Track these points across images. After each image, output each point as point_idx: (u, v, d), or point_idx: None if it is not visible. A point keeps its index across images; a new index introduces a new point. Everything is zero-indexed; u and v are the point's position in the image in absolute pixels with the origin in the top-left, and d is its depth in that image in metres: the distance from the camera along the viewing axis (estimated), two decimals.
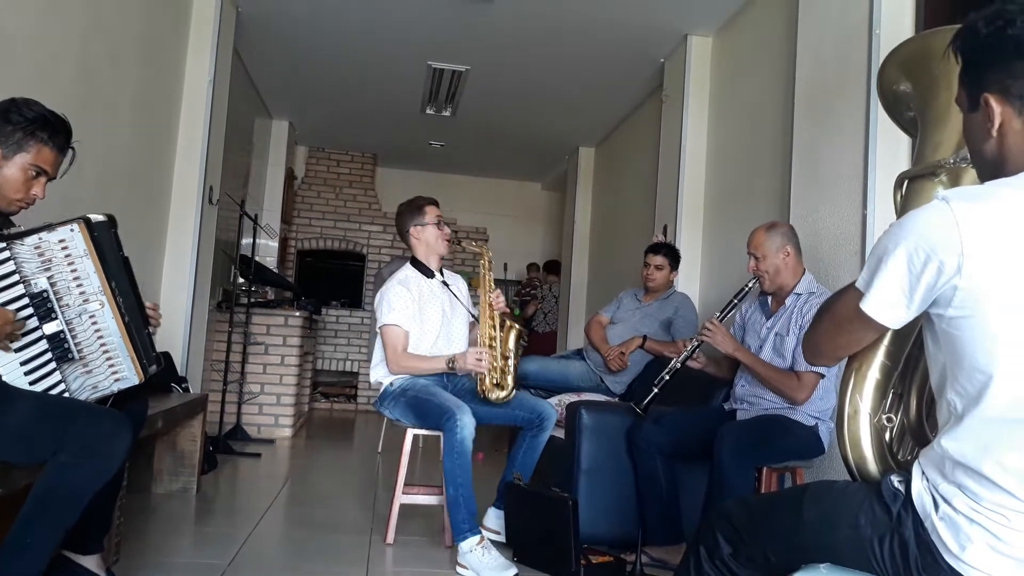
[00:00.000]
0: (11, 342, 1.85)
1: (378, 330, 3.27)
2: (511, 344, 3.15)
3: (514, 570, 2.72)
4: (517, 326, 3.18)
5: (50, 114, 1.93)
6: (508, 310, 3.29)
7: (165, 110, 4.43)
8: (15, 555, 1.76)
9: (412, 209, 3.36)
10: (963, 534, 1.15)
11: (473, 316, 3.40)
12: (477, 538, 2.77)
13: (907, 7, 3.13)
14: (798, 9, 3.76)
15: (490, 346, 3.13)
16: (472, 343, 3.40)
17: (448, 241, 3.38)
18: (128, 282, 2.09)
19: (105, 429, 1.84)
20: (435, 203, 3.40)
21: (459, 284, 3.48)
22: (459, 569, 2.77)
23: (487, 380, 3.08)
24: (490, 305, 3.20)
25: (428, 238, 3.34)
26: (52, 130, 1.92)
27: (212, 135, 4.70)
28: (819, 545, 1.33)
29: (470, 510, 2.83)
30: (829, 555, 1.33)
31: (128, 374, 1.99)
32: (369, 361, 8.31)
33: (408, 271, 3.36)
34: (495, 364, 3.10)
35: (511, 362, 3.15)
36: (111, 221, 2.09)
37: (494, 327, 3.18)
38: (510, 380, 3.12)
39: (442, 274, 3.41)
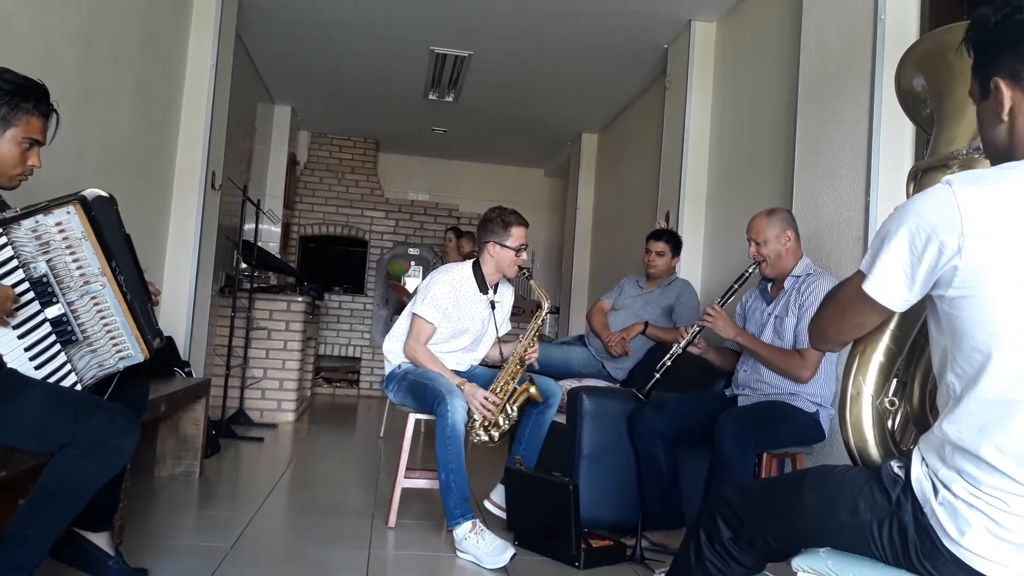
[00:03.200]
0: (10, 318, 1.84)
1: (410, 310, 3.25)
2: (516, 405, 3.09)
3: (511, 551, 2.74)
4: (533, 390, 3.09)
5: (26, 81, 1.90)
6: (536, 366, 3.22)
7: (167, 95, 4.41)
8: (17, 546, 1.77)
9: (499, 225, 3.20)
10: (962, 519, 1.16)
11: (499, 338, 3.35)
12: (470, 524, 2.79)
13: None
14: None
15: (501, 393, 3.09)
16: (491, 360, 3.40)
17: (520, 268, 3.23)
18: (130, 259, 2.08)
19: (117, 425, 1.84)
20: (526, 225, 3.23)
21: (507, 300, 3.39)
22: (459, 554, 2.78)
23: (477, 422, 3.05)
24: (522, 357, 3.14)
25: (501, 260, 3.20)
26: (35, 98, 1.90)
27: (215, 120, 4.69)
28: (819, 529, 1.34)
29: (463, 495, 2.85)
30: (828, 539, 1.34)
31: (132, 351, 1.98)
32: (371, 345, 8.28)
33: (466, 274, 3.24)
34: (493, 415, 3.04)
35: (505, 421, 3.07)
36: (111, 199, 2.06)
37: (515, 378, 3.13)
38: (495, 434, 3.07)
39: (495, 290, 3.30)
